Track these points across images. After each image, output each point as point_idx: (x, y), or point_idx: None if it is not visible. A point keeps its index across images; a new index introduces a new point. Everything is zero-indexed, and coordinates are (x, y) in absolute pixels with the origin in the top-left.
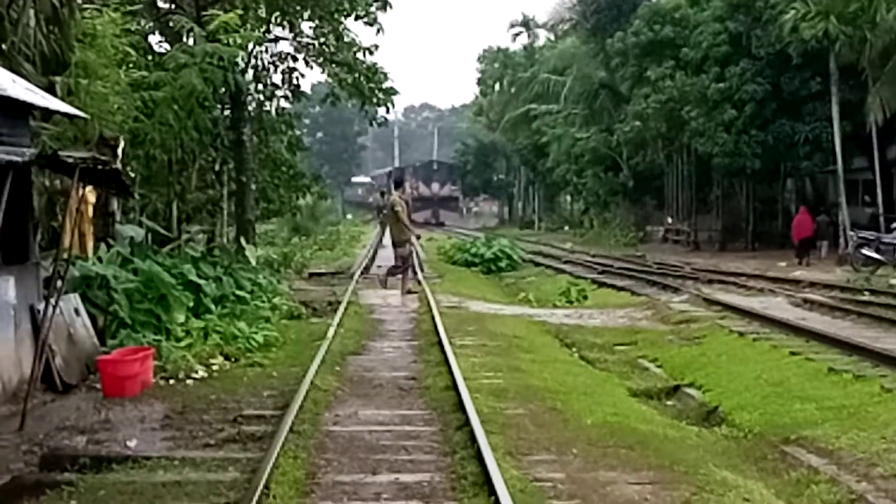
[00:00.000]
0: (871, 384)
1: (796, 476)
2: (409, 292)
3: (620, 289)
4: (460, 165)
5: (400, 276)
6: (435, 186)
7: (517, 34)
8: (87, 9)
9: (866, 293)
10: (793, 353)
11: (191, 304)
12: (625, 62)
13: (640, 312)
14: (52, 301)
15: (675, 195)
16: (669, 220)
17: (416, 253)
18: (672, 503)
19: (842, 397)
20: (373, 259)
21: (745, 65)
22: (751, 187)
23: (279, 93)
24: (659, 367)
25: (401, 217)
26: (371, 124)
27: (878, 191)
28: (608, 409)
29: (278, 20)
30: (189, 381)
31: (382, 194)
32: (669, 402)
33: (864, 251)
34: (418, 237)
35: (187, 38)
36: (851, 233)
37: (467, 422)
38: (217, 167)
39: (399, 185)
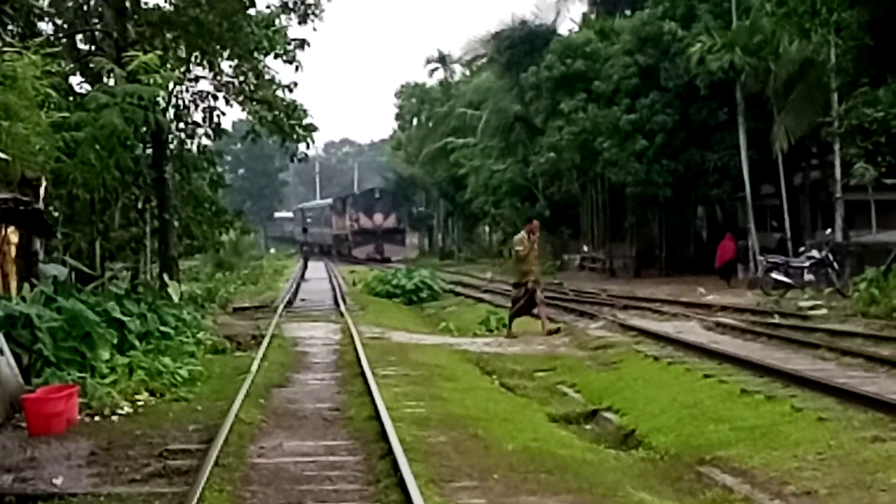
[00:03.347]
0: (781, 404)
1: (711, 496)
2: (550, 333)
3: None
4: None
5: (521, 317)
6: (378, 218)
7: (433, 70)
8: (7, 52)
9: (776, 316)
10: (706, 376)
11: (115, 341)
12: (538, 95)
13: (559, 339)
14: None
15: (591, 224)
16: (585, 248)
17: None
18: None
19: (754, 418)
20: (296, 293)
21: (655, 96)
22: (663, 215)
23: (200, 131)
24: (577, 392)
25: (520, 257)
26: (292, 160)
27: (786, 216)
28: (528, 435)
29: (198, 59)
30: (114, 418)
31: (305, 231)
32: (588, 427)
33: (774, 275)
34: (535, 281)
35: (108, 78)
36: (761, 257)
37: (390, 451)
38: (140, 205)
39: (529, 220)
